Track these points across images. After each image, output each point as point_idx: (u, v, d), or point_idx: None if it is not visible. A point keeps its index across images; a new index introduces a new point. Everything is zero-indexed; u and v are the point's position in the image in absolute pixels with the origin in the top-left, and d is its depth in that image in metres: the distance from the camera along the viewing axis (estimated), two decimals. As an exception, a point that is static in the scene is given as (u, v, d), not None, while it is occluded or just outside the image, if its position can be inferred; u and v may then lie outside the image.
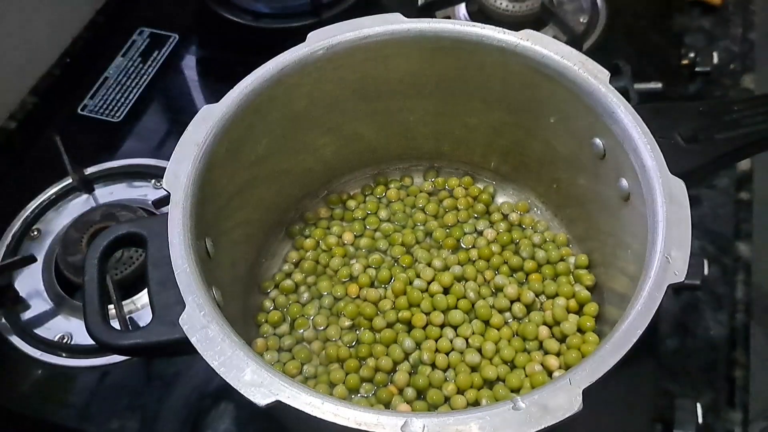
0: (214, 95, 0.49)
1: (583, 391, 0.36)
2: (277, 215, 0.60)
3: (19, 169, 0.73)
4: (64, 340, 0.60)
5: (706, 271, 0.59)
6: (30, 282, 0.64)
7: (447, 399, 0.51)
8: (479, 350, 0.52)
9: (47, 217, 0.68)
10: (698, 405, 0.53)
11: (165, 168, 0.46)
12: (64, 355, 0.59)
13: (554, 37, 0.56)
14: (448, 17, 0.80)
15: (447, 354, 0.52)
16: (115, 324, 0.56)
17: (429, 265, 0.57)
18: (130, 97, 0.78)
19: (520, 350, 0.52)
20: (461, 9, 0.80)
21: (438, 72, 0.54)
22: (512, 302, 0.55)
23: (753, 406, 0.56)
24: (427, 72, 0.54)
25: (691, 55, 0.76)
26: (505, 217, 0.61)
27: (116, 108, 0.77)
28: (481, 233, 0.60)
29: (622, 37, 0.78)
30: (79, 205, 0.69)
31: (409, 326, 0.54)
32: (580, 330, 0.53)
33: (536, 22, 0.77)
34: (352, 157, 0.62)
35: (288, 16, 0.80)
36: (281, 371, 0.40)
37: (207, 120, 0.47)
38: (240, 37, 0.81)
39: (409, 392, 0.51)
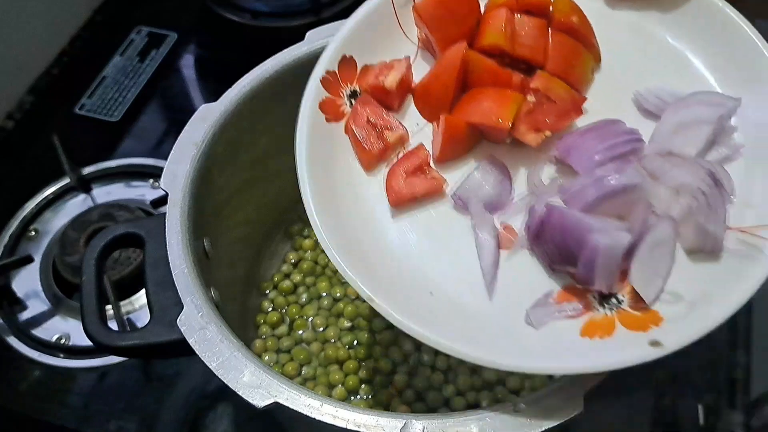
0: (212, 94, 0.49)
1: (584, 392, 0.36)
2: (276, 215, 0.60)
3: (17, 168, 0.73)
4: (62, 341, 0.60)
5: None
6: (27, 282, 0.63)
7: (447, 400, 0.50)
8: (479, 351, 0.52)
9: (45, 217, 0.68)
10: (699, 406, 0.53)
11: (163, 168, 0.46)
12: (61, 355, 0.59)
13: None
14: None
15: (447, 355, 0.52)
16: (113, 325, 0.56)
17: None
18: (128, 97, 0.77)
19: (521, 351, 0.52)
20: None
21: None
22: (512, 303, 0.54)
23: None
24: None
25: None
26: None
27: (114, 107, 0.77)
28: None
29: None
30: (76, 205, 0.69)
31: (409, 327, 0.54)
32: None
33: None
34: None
35: (287, 15, 0.80)
36: (280, 372, 0.40)
37: (205, 119, 0.47)
38: (239, 35, 0.81)
39: (409, 394, 0.51)
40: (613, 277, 0.35)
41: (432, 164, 0.40)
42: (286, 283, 0.57)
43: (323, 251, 0.58)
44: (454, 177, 0.39)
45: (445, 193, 0.39)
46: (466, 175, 0.39)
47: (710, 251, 0.35)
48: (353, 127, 0.40)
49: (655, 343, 0.33)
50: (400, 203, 0.39)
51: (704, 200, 0.34)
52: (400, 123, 0.41)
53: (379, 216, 0.39)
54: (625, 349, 0.34)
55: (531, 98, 0.38)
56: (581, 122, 0.39)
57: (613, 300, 0.35)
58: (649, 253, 0.35)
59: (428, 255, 0.38)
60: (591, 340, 0.35)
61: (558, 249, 0.35)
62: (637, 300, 0.35)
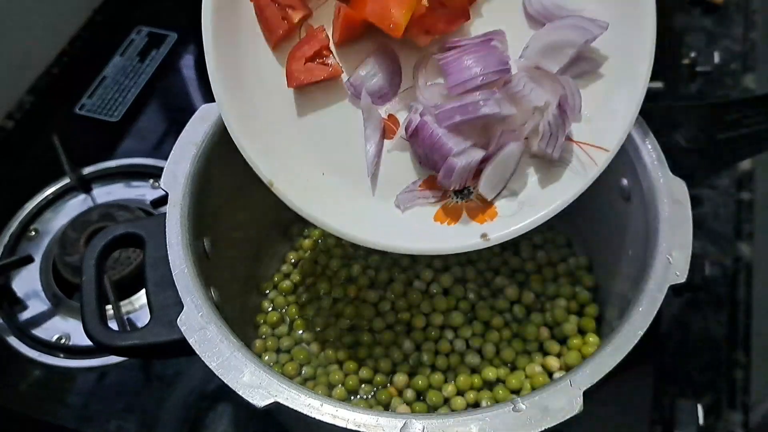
0: (212, 95, 0.48)
1: (584, 392, 0.36)
2: (276, 215, 0.60)
3: (17, 168, 0.73)
4: (62, 341, 0.60)
5: (706, 272, 0.59)
6: (27, 282, 0.63)
7: (447, 400, 0.50)
8: (479, 351, 0.52)
9: (45, 217, 0.68)
10: (699, 406, 0.53)
11: (163, 168, 0.46)
12: (61, 355, 0.59)
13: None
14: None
15: (447, 355, 0.52)
16: (113, 325, 0.56)
17: (429, 266, 0.56)
18: (128, 97, 0.77)
19: (521, 351, 0.52)
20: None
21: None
22: (512, 303, 0.55)
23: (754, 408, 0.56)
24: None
25: (692, 54, 0.75)
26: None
27: (114, 107, 0.77)
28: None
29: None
30: (76, 205, 0.69)
31: (409, 327, 0.54)
32: (581, 331, 0.52)
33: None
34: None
35: (287, 16, 0.80)
36: (280, 372, 0.40)
37: (206, 119, 0.47)
38: (239, 36, 0.81)
39: (409, 393, 0.51)
40: (467, 180, 0.42)
41: (332, 47, 0.42)
42: (286, 283, 0.57)
43: (323, 251, 0.59)
44: (352, 63, 0.42)
45: (342, 79, 0.42)
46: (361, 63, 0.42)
47: (548, 161, 0.42)
48: (257, 6, 0.41)
49: (484, 236, 0.41)
50: (299, 87, 0.41)
51: (548, 129, 0.40)
52: (303, 1, 0.42)
53: (282, 97, 0.41)
54: (460, 237, 0.41)
55: (425, 2, 0.41)
56: (474, 25, 0.43)
57: (465, 191, 0.43)
58: (498, 166, 0.41)
59: (323, 137, 0.42)
60: (440, 225, 0.42)
61: (426, 155, 0.42)
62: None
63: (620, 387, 0.52)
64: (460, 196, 0.43)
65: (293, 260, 0.59)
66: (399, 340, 0.53)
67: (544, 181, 0.42)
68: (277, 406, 0.36)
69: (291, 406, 0.36)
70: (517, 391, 0.50)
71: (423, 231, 0.42)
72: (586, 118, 0.42)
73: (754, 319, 0.59)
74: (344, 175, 0.42)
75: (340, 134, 0.42)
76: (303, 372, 0.53)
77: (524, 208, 0.42)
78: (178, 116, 0.76)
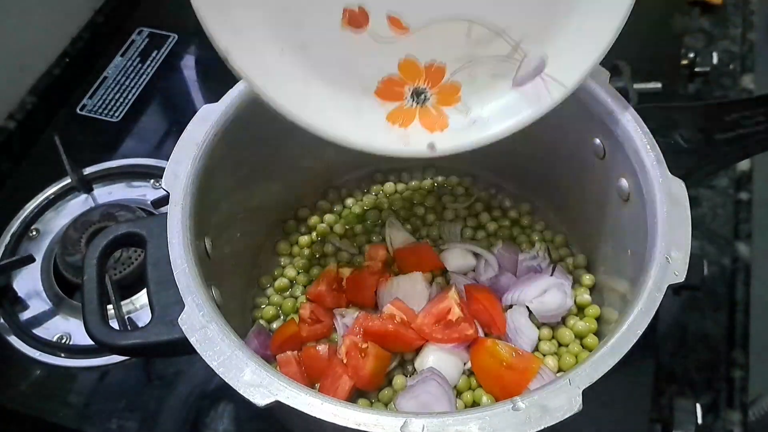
0: (213, 95, 0.49)
1: (583, 391, 0.36)
2: (275, 213, 0.60)
3: (18, 168, 0.73)
4: (63, 341, 0.60)
5: (705, 272, 0.59)
6: (29, 282, 0.63)
7: (446, 399, 0.50)
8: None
9: (46, 217, 0.68)
10: (698, 405, 0.53)
11: (164, 168, 0.46)
12: (62, 355, 0.59)
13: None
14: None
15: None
16: (114, 324, 0.56)
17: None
18: (129, 97, 0.78)
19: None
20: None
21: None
22: (512, 302, 0.55)
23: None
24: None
25: (691, 55, 0.76)
26: (504, 213, 0.61)
27: (115, 108, 0.77)
28: (483, 227, 0.60)
29: (622, 37, 0.78)
30: (77, 205, 0.69)
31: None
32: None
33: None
34: (351, 155, 0.62)
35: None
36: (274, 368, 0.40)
37: (206, 120, 0.48)
38: (239, 36, 0.81)
39: (409, 392, 0.51)
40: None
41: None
42: (284, 281, 0.57)
43: (314, 242, 0.59)
44: None
45: None
46: None
47: (508, 82, 0.43)
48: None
49: (431, 146, 0.42)
50: None
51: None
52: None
53: None
54: (409, 141, 0.42)
55: None
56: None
57: (423, 96, 0.42)
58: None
59: (283, 10, 0.40)
60: (392, 125, 0.42)
61: None
62: (440, 101, 0.42)
63: (619, 386, 0.52)
64: (417, 100, 0.42)
65: (291, 257, 0.59)
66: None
67: (500, 102, 0.43)
68: (277, 404, 0.36)
69: (292, 404, 0.36)
70: (516, 391, 0.50)
71: (374, 128, 0.42)
72: (557, 51, 0.42)
73: (753, 319, 0.59)
74: (302, 56, 0.41)
75: (300, 8, 0.40)
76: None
77: (474, 126, 0.43)
78: (178, 116, 0.76)
